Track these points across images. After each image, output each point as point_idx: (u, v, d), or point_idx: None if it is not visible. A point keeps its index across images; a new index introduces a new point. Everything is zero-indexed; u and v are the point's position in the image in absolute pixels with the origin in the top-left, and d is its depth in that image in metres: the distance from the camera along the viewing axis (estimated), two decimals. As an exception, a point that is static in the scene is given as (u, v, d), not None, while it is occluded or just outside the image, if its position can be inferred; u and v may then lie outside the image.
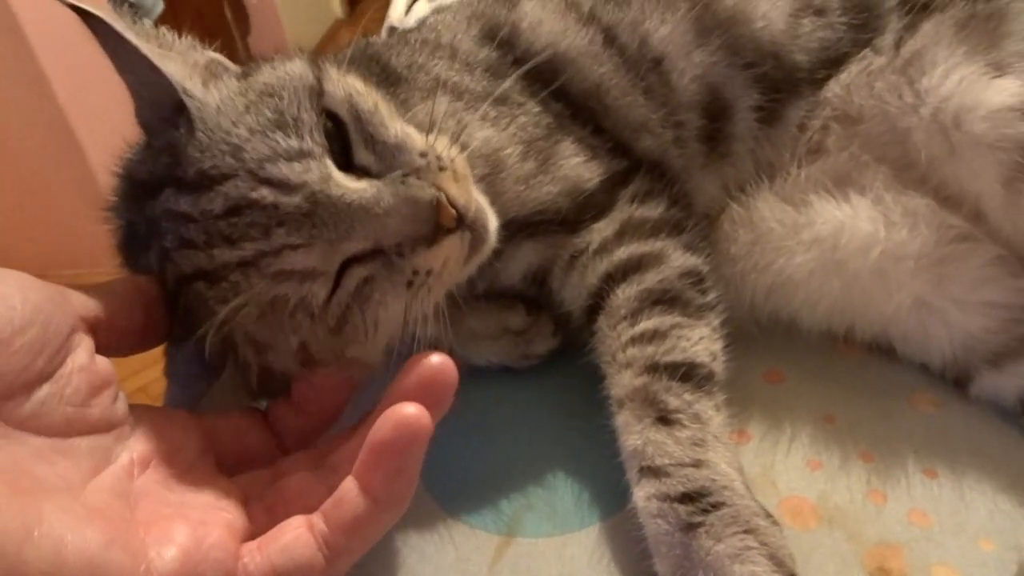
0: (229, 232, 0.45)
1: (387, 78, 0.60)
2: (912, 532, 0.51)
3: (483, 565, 0.52)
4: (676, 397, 0.51)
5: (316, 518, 0.41)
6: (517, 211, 0.59)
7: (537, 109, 0.63)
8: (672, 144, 0.66)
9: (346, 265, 0.47)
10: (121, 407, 0.44)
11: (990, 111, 0.57)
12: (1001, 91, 0.57)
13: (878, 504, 0.53)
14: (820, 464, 0.56)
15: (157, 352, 0.54)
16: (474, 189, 0.53)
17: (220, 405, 0.54)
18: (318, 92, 0.49)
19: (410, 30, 0.72)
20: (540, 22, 0.67)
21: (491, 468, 0.59)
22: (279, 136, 0.46)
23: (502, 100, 0.61)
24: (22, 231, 2.34)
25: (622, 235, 0.61)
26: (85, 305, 0.44)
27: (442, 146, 0.51)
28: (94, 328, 0.45)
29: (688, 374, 0.53)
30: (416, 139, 0.51)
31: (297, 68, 0.51)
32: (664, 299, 0.57)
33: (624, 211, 0.62)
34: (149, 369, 0.62)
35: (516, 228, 0.57)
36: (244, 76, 0.51)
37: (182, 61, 0.50)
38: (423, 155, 0.50)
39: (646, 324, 0.55)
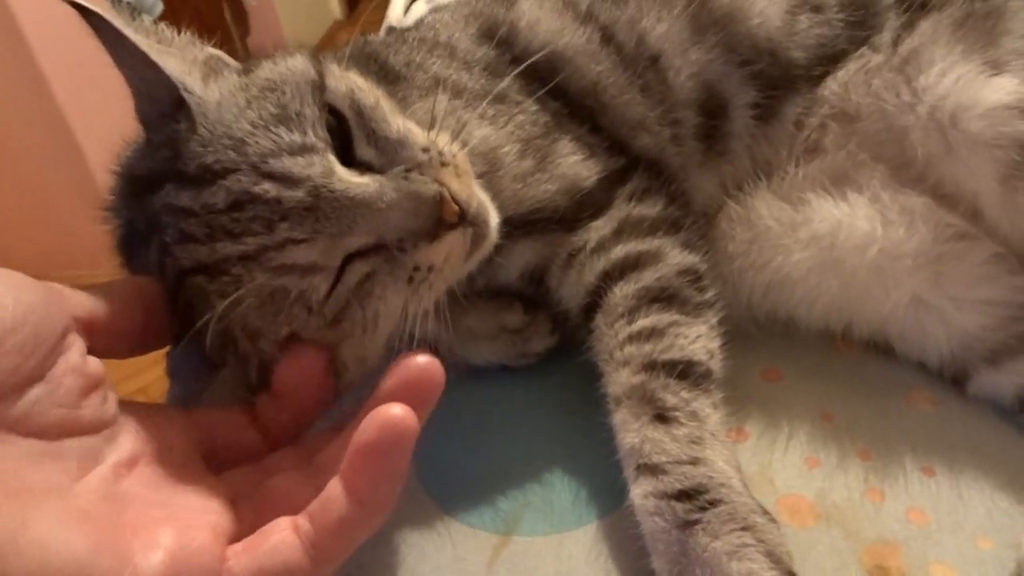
0: (231, 226, 0.45)
1: (385, 76, 0.60)
2: (910, 530, 0.51)
3: (481, 564, 0.52)
4: (673, 395, 0.51)
5: (302, 520, 0.41)
6: (515, 209, 0.59)
7: (535, 107, 0.63)
8: (669, 142, 0.66)
9: (348, 260, 0.47)
10: (111, 407, 0.44)
11: (987, 109, 0.57)
12: (998, 89, 0.57)
13: (876, 502, 0.53)
14: (818, 462, 0.56)
15: (158, 353, 0.53)
16: (475, 185, 0.53)
17: (219, 400, 0.54)
18: (320, 87, 0.49)
19: (408, 29, 0.72)
20: (538, 21, 0.67)
21: (488, 467, 0.59)
22: (282, 131, 0.46)
23: (500, 98, 0.61)
24: (21, 231, 2.33)
25: (620, 233, 0.61)
26: (81, 305, 0.44)
27: (444, 142, 0.52)
28: (89, 328, 0.44)
29: (685, 372, 0.53)
30: (418, 135, 0.51)
31: (299, 63, 0.51)
32: (662, 297, 0.57)
33: (622, 209, 0.62)
34: (148, 371, 0.62)
35: (514, 226, 0.57)
36: (245, 72, 0.51)
37: (181, 57, 0.50)
38: (425, 150, 0.50)
39: (643, 322, 0.55)
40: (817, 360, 0.64)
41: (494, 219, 0.54)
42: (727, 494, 0.47)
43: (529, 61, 0.62)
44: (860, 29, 0.65)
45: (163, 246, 0.47)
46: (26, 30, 2.10)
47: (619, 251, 0.60)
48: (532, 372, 0.65)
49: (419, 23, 0.73)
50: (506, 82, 0.62)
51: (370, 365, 0.53)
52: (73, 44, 0.50)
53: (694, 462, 0.48)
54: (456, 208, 0.49)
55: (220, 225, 0.45)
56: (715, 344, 0.56)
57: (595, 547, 0.52)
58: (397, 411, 0.40)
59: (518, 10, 0.68)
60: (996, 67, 0.58)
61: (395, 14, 1.33)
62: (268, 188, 0.45)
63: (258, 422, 0.50)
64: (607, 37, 0.66)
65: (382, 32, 1.15)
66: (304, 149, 0.46)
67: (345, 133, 0.49)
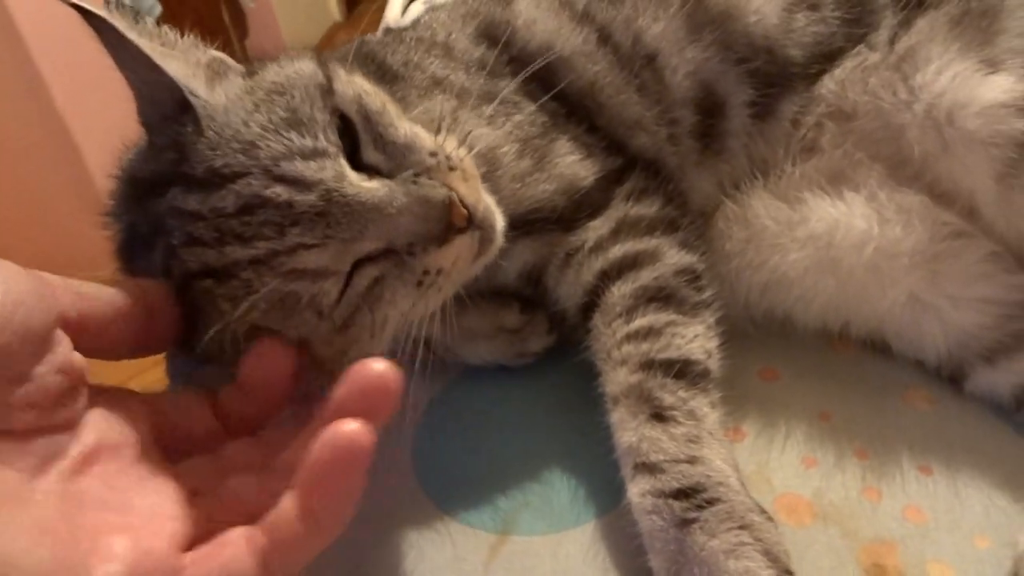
0: (242, 230, 0.45)
1: (383, 76, 0.60)
2: (907, 529, 0.51)
3: (478, 564, 0.52)
4: (671, 394, 0.51)
5: (257, 533, 0.40)
6: (513, 209, 0.59)
7: (532, 108, 0.63)
8: (667, 141, 0.66)
9: (357, 264, 0.47)
10: (82, 404, 0.42)
11: (983, 107, 0.57)
12: (994, 87, 0.57)
13: (873, 501, 0.53)
14: (815, 461, 0.56)
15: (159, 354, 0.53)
16: (482, 189, 0.53)
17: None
18: (328, 91, 0.49)
19: (405, 28, 0.72)
20: (534, 20, 0.67)
21: (486, 466, 0.59)
22: (293, 135, 0.46)
23: (498, 99, 0.61)
24: (19, 233, 2.33)
25: (617, 233, 0.61)
26: (73, 302, 0.43)
27: (451, 146, 0.52)
28: (81, 327, 0.43)
29: (683, 371, 0.53)
30: (425, 139, 0.51)
31: (307, 67, 0.51)
32: (659, 296, 0.57)
33: (619, 209, 0.62)
34: (149, 372, 0.62)
35: (512, 226, 0.57)
36: (248, 75, 0.51)
37: (185, 60, 0.50)
38: (433, 155, 0.50)
39: (641, 321, 0.55)
40: (814, 359, 0.64)
41: (500, 222, 0.54)
42: (725, 493, 0.47)
43: (532, 67, 0.62)
44: (857, 27, 0.65)
45: (169, 249, 0.47)
46: (24, 31, 2.10)
47: (617, 251, 0.60)
48: (530, 372, 0.65)
49: (416, 23, 0.73)
50: (503, 82, 0.62)
51: None
52: (71, 46, 0.50)
53: (691, 461, 0.48)
54: (465, 212, 0.49)
55: (229, 229, 0.45)
56: (712, 343, 0.56)
57: (593, 546, 0.52)
58: (351, 428, 0.39)
59: (515, 10, 0.68)
60: (992, 65, 0.58)
61: (392, 15, 1.34)
62: (280, 192, 0.44)
63: (219, 410, 0.48)
64: (604, 37, 0.66)
65: (379, 33, 1.16)
66: (316, 153, 0.46)
67: (352, 137, 0.49)
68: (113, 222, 0.54)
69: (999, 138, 0.56)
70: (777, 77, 0.65)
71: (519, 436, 0.61)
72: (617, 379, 0.53)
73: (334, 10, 4.57)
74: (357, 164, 0.48)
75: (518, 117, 0.61)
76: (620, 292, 0.58)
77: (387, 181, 0.48)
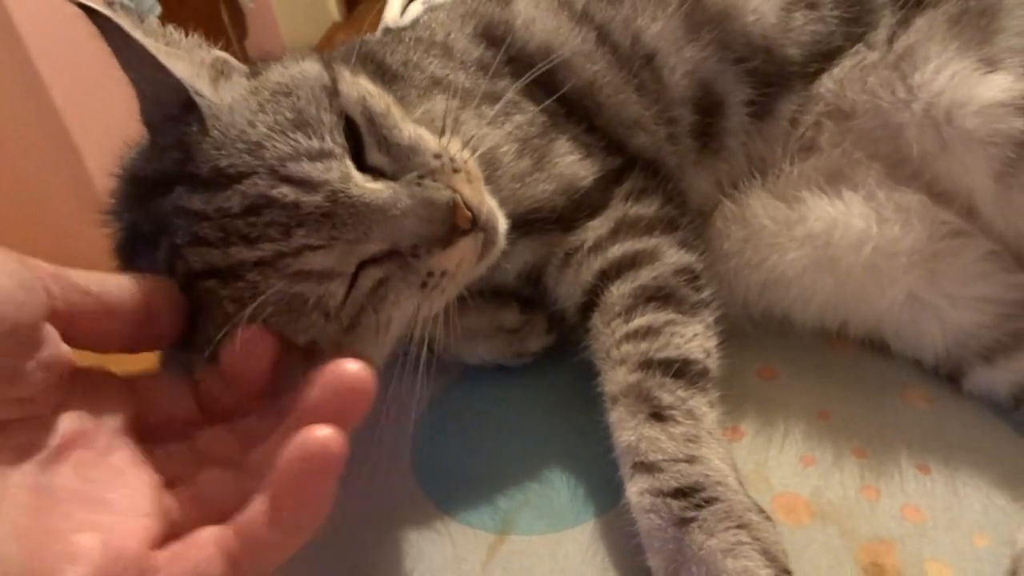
0: (247, 231, 0.44)
1: (382, 76, 0.60)
2: (905, 527, 0.51)
3: (477, 563, 0.52)
4: (670, 393, 0.51)
5: (228, 534, 0.39)
6: (512, 209, 0.59)
7: (532, 107, 0.63)
8: (666, 141, 0.66)
9: (361, 266, 0.47)
10: (65, 392, 0.41)
11: (982, 106, 0.57)
12: (993, 87, 0.57)
13: (871, 500, 0.53)
14: (813, 460, 0.56)
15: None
16: (485, 191, 0.53)
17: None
18: (333, 93, 0.49)
19: (404, 28, 0.72)
20: (533, 20, 0.67)
21: (485, 466, 0.59)
22: (300, 136, 0.46)
23: (497, 99, 0.61)
24: (18, 234, 2.33)
25: (616, 232, 0.61)
26: (63, 293, 0.41)
27: (455, 148, 0.52)
28: (71, 318, 0.41)
29: (682, 370, 0.53)
30: (430, 141, 0.51)
31: (312, 68, 0.51)
32: (658, 296, 0.57)
33: (619, 209, 0.62)
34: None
35: (512, 226, 0.57)
36: (253, 75, 0.51)
37: (189, 60, 0.50)
38: (437, 157, 0.50)
39: (640, 321, 0.55)
40: (813, 358, 0.64)
41: (503, 224, 0.54)
42: (723, 492, 0.47)
43: (535, 70, 0.61)
44: (855, 26, 0.65)
45: (173, 248, 0.46)
46: (22, 31, 2.10)
47: (616, 250, 0.60)
48: (529, 371, 0.65)
49: (415, 22, 0.73)
50: (502, 82, 0.62)
51: (376, 367, 0.53)
52: (71, 46, 0.49)
53: (690, 460, 0.48)
54: (469, 214, 0.49)
55: (235, 229, 0.45)
56: (711, 343, 0.56)
57: (592, 545, 0.52)
58: (322, 435, 0.38)
59: (513, 10, 0.68)
60: (991, 64, 0.58)
61: (391, 15, 1.34)
62: (286, 192, 0.44)
63: (199, 396, 0.47)
64: (602, 36, 0.66)
65: (378, 34, 1.16)
66: (323, 155, 0.46)
67: (356, 139, 0.49)
68: (113, 220, 0.53)
69: (998, 137, 0.56)
70: (775, 76, 0.65)
71: (518, 436, 0.61)
72: (616, 378, 0.53)
73: (333, 10, 4.57)
74: (361, 166, 0.48)
75: (518, 117, 0.61)
76: (619, 292, 0.58)
77: (391, 183, 0.48)
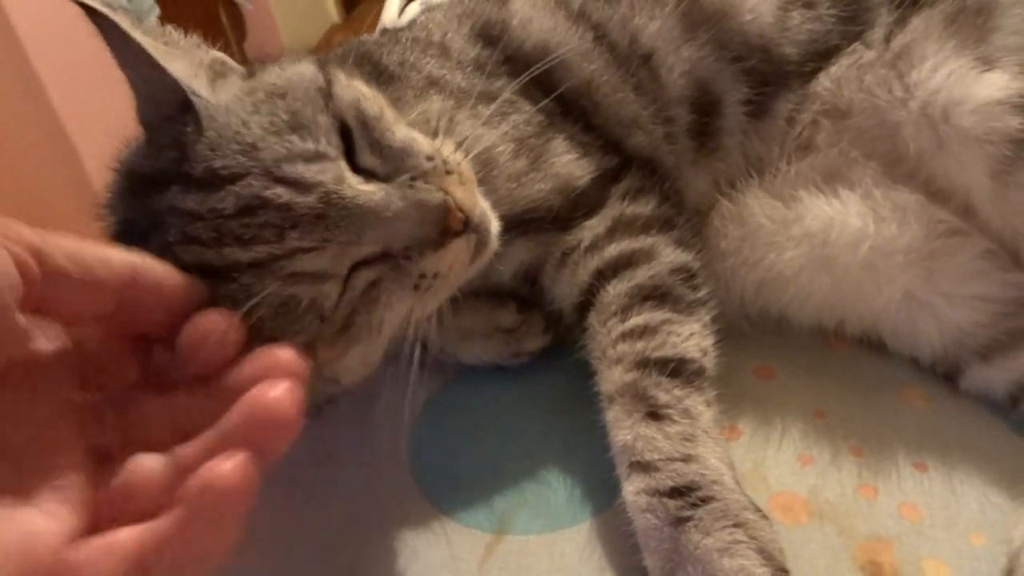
0: (241, 232, 0.44)
1: (378, 76, 0.60)
2: (903, 526, 0.51)
3: (473, 563, 0.52)
4: (666, 392, 0.51)
5: (145, 540, 0.37)
6: (509, 209, 0.59)
7: (528, 107, 0.63)
8: (663, 140, 0.66)
9: (354, 268, 0.47)
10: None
11: (978, 105, 0.57)
12: (989, 85, 0.57)
13: (869, 498, 0.53)
14: (811, 459, 0.56)
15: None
16: (478, 193, 0.53)
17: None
18: (328, 95, 0.49)
19: (401, 28, 0.72)
20: (530, 20, 0.67)
21: (483, 466, 0.59)
22: (295, 137, 0.46)
23: (493, 98, 0.61)
24: (17, 235, 2.32)
25: (613, 232, 0.61)
26: (45, 263, 0.38)
27: (448, 150, 0.52)
28: (43, 293, 0.38)
29: (678, 370, 0.53)
30: (423, 143, 0.51)
31: (308, 70, 0.51)
32: (655, 295, 0.57)
33: (615, 208, 0.62)
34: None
35: (508, 226, 0.57)
36: (250, 76, 0.51)
37: (187, 60, 0.50)
38: (430, 159, 0.50)
39: (636, 320, 0.55)
40: (810, 357, 0.64)
41: (495, 226, 0.54)
42: (719, 491, 0.47)
43: (532, 71, 0.61)
44: (852, 25, 0.65)
45: (165, 245, 0.46)
46: (20, 31, 2.10)
47: (612, 250, 0.60)
48: (526, 371, 0.65)
49: (412, 23, 0.73)
50: (499, 82, 0.62)
51: (371, 368, 0.53)
52: (69, 46, 0.49)
53: (686, 459, 0.48)
54: (461, 216, 0.49)
55: (229, 230, 0.44)
56: (708, 342, 0.56)
57: (588, 545, 0.52)
58: (226, 469, 0.35)
59: (510, 9, 0.68)
60: (987, 63, 0.58)
61: (389, 16, 1.34)
62: (280, 193, 0.44)
63: (145, 364, 0.44)
64: (600, 36, 0.66)
65: (376, 35, 1.16)
66: (317, 156, 0.46)
67: (349, 141, 0.49)
68: (109, 214, 0.53)
69: (994, 135, 0.56)
70: (772, 76, 0.65)
71: (515, 435, 0.61)
72: (612, 378, 0.53)
73: (332, 12, 4.57)
74: (354, 167, 0.48)
75: (514, 117, 0.61)
76: (616, 291, 0.58)
77: (384, 185, 0.48)
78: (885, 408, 0.59)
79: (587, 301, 0.59)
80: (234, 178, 0.44)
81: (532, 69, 0.62)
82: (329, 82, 0.50)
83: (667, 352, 0.53)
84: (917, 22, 0.63)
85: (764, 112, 0.66)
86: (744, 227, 0.64)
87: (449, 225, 0.48)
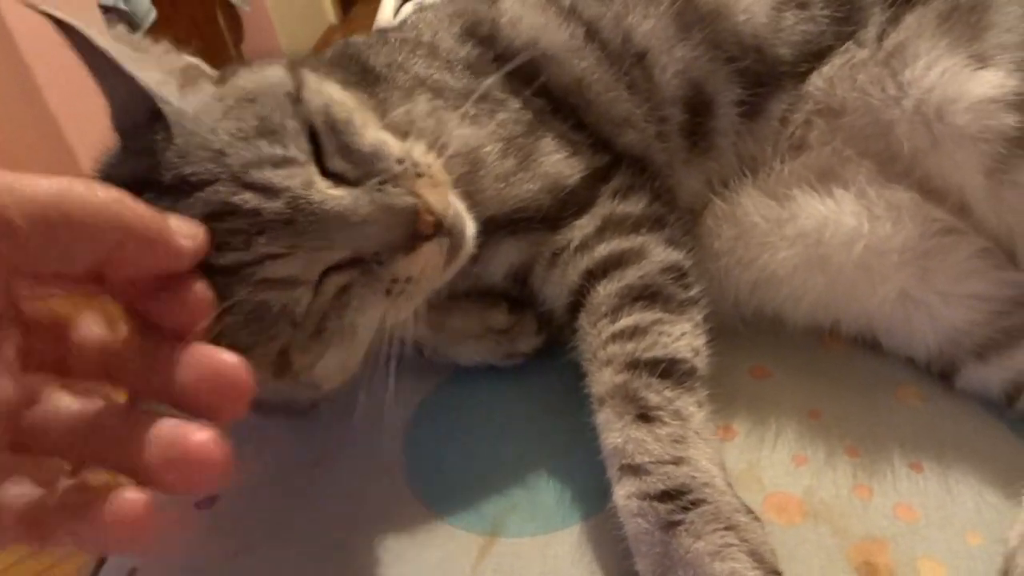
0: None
1: (365, 78, 0.60)
2: (898, 526, 0.50)
3: (467, 565, 0.52)
4: (656, 394, 0.51)
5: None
6: (497, 209, 0.58)
7: (517, 105, 0.62)
8: (655, 138, 0.66)
9: (325, 273, 0.47)
10: None
11: (972, 103, 0.57)
12: (983, 83, 0.57)
13: (864, 499, 0.52)
14: (806, 459, 0.56)
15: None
16: (452, 194, 0.53)
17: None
18: (296, 99, 0.49)
19: (391, 29, 0.72)
20: (520, 18, 0.67)
21: (475, 468, 0.59)
22: (263, 143, 0.46)
23: (482, 97, 0.60)
24: (15, 238, 2.32)
25: (603, 231, 0.60)
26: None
27: (419, 152, 0.51)
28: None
29: (669, 370, 0.52)
30: (393, 146, 0.51)
31: (276, 74, 0.51)
32: (645, 295, 0.56)
33: (605, 207, 0.62)
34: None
35: (497, 226, 0.57)
36: (221, 80, 0.51)
37: (158, 67, 0.50)
38: (400, 162, 0.50)
39: (626, 321, 0.55)
40: (805, 357, 0.64)
41: (471, 229, 0.53)
42: (710, 494, 0.46)
43: (513, 63, 0.61)
44: (845, 25, 0.65)
45: None
46: (16, 34, 2.10)
47: (602, 249, 0.59)
48: (519, 372, 0.65)
49: (403, 23, 0.73)
50: (490, 81, 0.61)
51: (350, 371, 0.53)
52: (65, 49, 0.49)
53: (677, 462, 0.48)
54: (431, 219, 0.48)
55: None
56: (700, 341, 0.56)
57: (581, 547, 0.52)
58: (128, 512, 0.34)
59: (501, 7, 0.68)
60: (981, 61, 0.58)
61: (385, 17, 1.34)
62: (248, 198, 0.44)
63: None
64: (591, 33, 0.66)
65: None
66: (286, 161, 0.46)
67: (318, 146, 0.48)
68: None
69: (989, 133, 0.56)
70: (766, 76, 0.65)
71: (509, 437, 0.61)
72: (602, 380, 0.53)
73: (329, 13, 4.57)
74: (324, 172, 0.48)
75: (502, 115, 0.61)
76: (606, 291, 0.57)
77: (352, 190, 0.47)
78: (880, 408, 0.59)
79: (577, 302, 0.59)
80: (203, 184, 0.44)
81: (514, 60, 0.61)
82: (298, 86, 0.49)
83: (658, 353, 0.53)
84: (910, 20, 0.62)
85: (758, 113, 0.65)
86: (738, 227, 0.64)
87: (419, 229, 0.48)
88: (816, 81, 0.64)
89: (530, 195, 0.60)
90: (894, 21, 0.64)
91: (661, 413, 0.50)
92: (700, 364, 0.54)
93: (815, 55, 0.65)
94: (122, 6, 2.73)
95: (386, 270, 0.48)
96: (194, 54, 0.55)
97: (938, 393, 0.60)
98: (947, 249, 0.60)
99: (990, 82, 0.57)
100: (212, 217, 0.44)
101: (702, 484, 0.47)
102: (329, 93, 0.51)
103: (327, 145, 0.48)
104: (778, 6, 0.66)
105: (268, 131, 0.46)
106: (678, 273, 0.59)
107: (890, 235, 0.60)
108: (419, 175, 0.50)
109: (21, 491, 0.36)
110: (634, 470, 0.48)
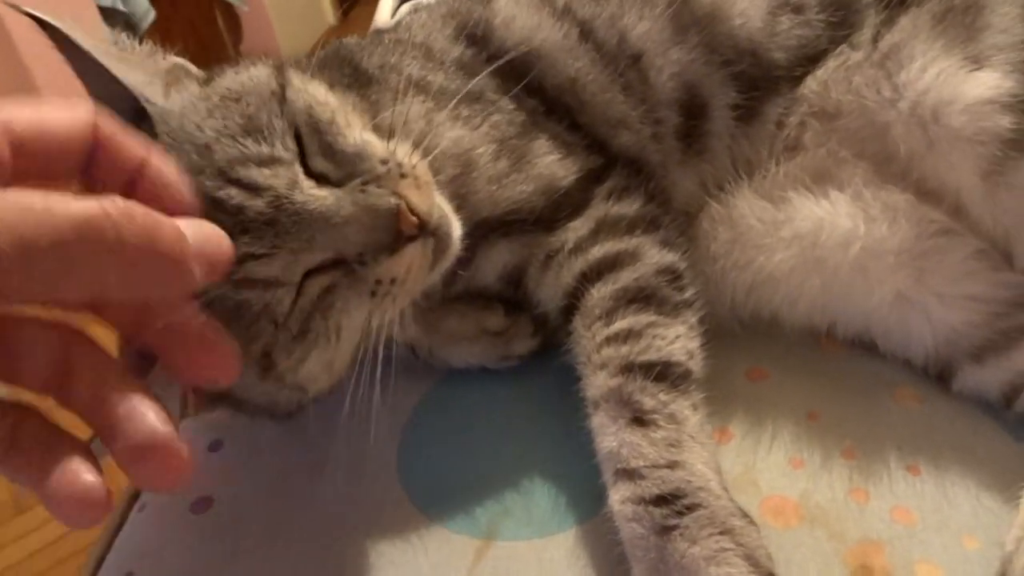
0: None
1: (358, 80, 0.60)
2: (895, 530, 0.50)
3: (462, 569, 0.52)
4: (651, 397, 0.51)
5: None
6: (490, 211, 0.58)
7: (511, 106, 0.62)
8: (650, 140, 0.66)
9: (307, 274, 0.47)
10: None
11: (968, 104, 0.56)
12: (979, 84, 0.56)
13: (860, 502, 0.52)
14: (802, 462, 0.55)
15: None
16: (437, 195, 0.52)
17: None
18: (282, 99, 0.49)
19: (385, 30, 0.72)
20: (513, 18, 0.67)
21: (470, 471, 0.59)
22: (249, 141, 0.46)
23: (475, 98, 0.60)
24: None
25: (597, 233, 0.60)
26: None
27: (403, 152, 0.51)
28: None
29: (663, 373, 0.52)
30: (376, 146, 0.50)
31: (261, 74, 0.51)
32: (639, 297, 0.56)
33: (600, 209, 0.61)
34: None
35: (490, 228, 0.57)
36: (207, 80, 0.51)
37: (142, 68, 0.50)
38: (384, 162, 0.49)
39: (621, 324, 0.55)
40: (802, 359, 0.64)
41: (456, 229, 0.53)
42: (705, 498, 0.46)
43: (503, 59, 0.61)
44: (840, 28, 0.65)
45: None
46: (15, 35, 2.10)
47: (597, 251, 0.59)
48: (514, 374, 0.65)
49: (397, 24, 0.73)
50: (480, 81, 0.61)
51: (337, 374, 0.52)
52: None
53: (672, 466, 0.47)
54: (415, 220, 0.48)
55: None
56: (695, 344, 0.56)
57: (576, 551, 0.52)
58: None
59: (494, 7, 0.68)
60: (977, 62, 0.57)
61: (382, 18, 1.33)
62: (232, 194, 0.44)
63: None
64: (585, 33, 0.66)
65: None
66: (272, 160, 0.46)
67: (301, 146, 0.48)
68: None
69: (984, 135, 0.56)
70: (761, 80, 0.65)
71: (504, 440, 0.61)
72: (597, 383, 0.53)
73: (328, 14, 4.57)
74: (308, 172, 0.48)
75: (495, 117, 0.61)
76: (600, 294, 0.57)
77: (335, 190, 0.47)
78: (878, 410, 0.59)
79: (572, 304, 0.59)
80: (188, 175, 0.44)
81: (504, 58, 0.61)
82: (283, 86, 0.49)
83: (652, 356, 0.53)
84: (905, 22, 0.62)
85: (753, 116, 0.65)
86: (734, 229, 0.63)
87: (402, 230, 0.48)
88: (811, 84, 0.64)
89: (524, 197, 0.60)
90: (888, 23, 0.63)
91: (656, 417, 0.50)
92: (695, 367, 0.54)
93: (810, 59, 0.65)
94: (120, 7, 2.74)
95: (370, 271, 0.48)
96: (193, 55, 0.56)
97: (935, 395, 0.60)
98: (944, 250, 0.59)
99: (986, 83, 0.56)
100: None
101: (697, 488, 0.46)
102: (313, 93, 0.51)
103: (310, 145, 0.48)
104: (773, 10, 0.65)
105: (254, 129, 0.46)
106: (673, 275, 0.58)
107: (886, 237, 0.59)
108: (403, 176, 0.49)
109: None
110: (629, 474, 0.48)
